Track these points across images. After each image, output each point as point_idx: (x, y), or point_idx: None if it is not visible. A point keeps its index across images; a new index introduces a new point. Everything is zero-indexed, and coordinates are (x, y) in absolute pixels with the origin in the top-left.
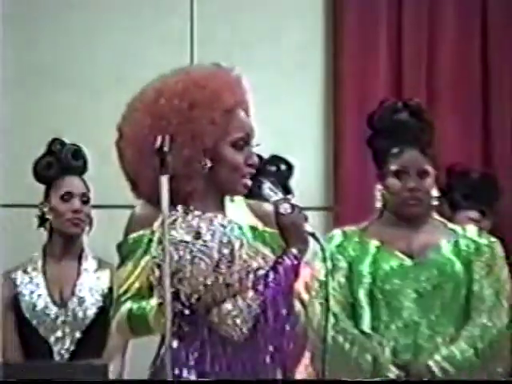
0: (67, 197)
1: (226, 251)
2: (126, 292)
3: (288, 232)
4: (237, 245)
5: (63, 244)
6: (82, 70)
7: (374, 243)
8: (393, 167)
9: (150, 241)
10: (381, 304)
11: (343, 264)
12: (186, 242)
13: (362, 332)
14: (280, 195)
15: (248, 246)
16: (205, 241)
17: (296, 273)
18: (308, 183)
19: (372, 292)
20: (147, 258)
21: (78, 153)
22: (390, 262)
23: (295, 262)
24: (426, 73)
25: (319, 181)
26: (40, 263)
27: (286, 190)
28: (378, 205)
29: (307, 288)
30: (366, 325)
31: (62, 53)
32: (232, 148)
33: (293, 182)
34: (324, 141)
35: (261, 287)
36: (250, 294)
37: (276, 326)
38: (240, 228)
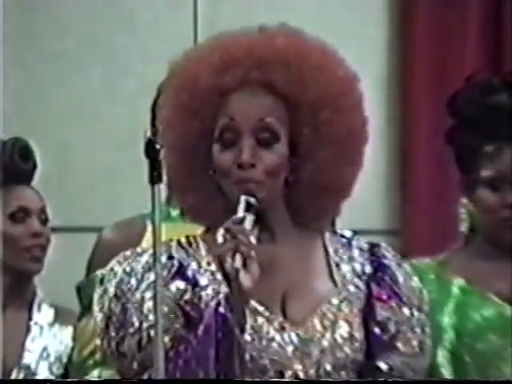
0: (21, 215)
1: None
2: (92, 354)
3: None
4: None
5: (10, 286)
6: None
7: (457, 282)
8: (486, 173)
9: None
10: (470, 371)
11: None
12: None
13: None
14: (246, 214)
15: None
16: None
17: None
18: (366, 198)
19: (457, 353)
20: None
21: (26, 151)
22: (482, 309)
23: (219, 314)
24: None
25: (381, 195)
26: None
27: None
28: (463, 227)
29: None
30: None
31: None
32: (217, 143)
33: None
34: (386, 136)
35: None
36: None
37: None
38: None
